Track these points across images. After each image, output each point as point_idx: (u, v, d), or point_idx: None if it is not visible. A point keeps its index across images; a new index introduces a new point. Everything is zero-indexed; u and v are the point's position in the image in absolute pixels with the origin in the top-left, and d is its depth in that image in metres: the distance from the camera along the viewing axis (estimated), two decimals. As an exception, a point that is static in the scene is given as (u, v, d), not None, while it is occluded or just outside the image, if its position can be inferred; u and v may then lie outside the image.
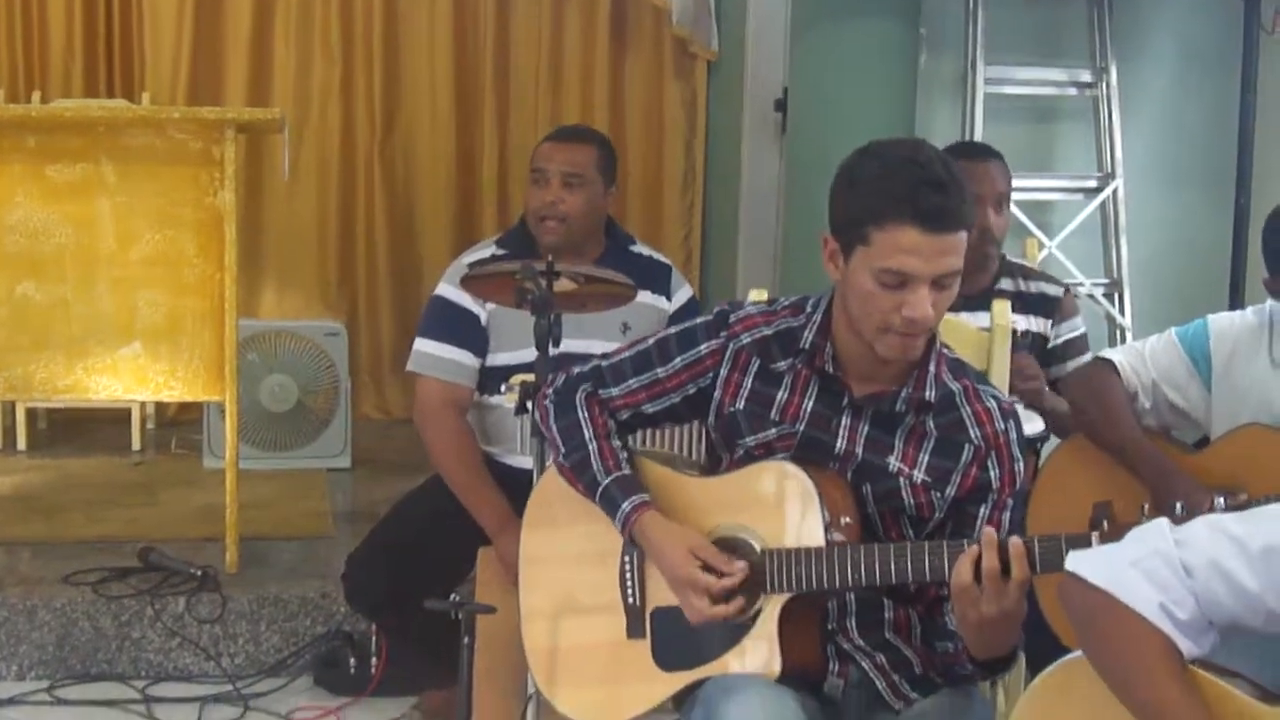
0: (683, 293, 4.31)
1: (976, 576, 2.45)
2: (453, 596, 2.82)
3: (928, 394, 2.73)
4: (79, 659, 4.51)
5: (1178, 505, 2.43)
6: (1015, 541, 2.46)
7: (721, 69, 6.12)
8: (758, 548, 2.71)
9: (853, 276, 2.64)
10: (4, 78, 5.85)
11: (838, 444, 2.74)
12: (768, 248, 5.87)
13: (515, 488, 3.36)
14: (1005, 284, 4.24)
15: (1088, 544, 2.42)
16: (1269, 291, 3.55)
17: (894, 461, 2.73)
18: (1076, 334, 4.23)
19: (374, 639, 4.42)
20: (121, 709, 4.33)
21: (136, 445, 6.02)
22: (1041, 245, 5.46)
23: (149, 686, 4.45)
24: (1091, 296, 5.58)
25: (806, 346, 2.77)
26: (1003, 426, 2.76)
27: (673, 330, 2.90)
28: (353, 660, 4.44)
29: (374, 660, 4.41)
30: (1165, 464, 3.53)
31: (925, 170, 2.56)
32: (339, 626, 4.53)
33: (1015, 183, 4.40)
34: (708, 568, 2.68)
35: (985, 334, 3.33)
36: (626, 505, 2.77)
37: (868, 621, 2.76)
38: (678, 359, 2.84)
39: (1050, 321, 4.24)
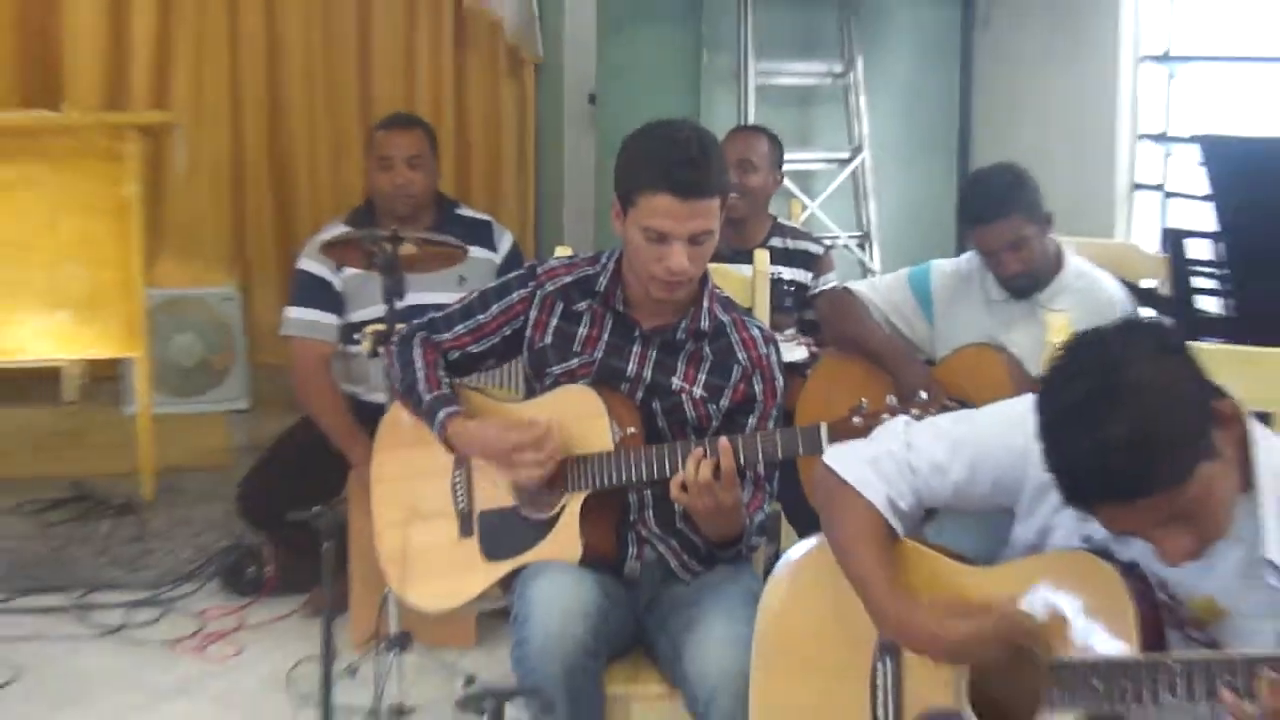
0: (504, 241, 4.30)
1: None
2: (313, 510, 2.75)
3: (703, 324, 2.76)
4: (23, 576, 4.42)
5: (922, 394, 2.42)
6: (723, 443, 2.52)
7: (545, 71, 6.07)
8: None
9: (628, 232, 2.68)
10: (-52, 93, 5.68)
11: (629, 368, 2.76)
12: (587, 214, 5.93)
13: (373, 418, 3.34)
14: (775, 241, 4.30)
15: (814, 437, 2.50)
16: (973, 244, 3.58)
17: (677, 380, 2.75)
18: (831, 285, 4.25)
19: (267, 549, 4.37)
20: (60, 615, 4.26)
21: (70, 397, 5.88)
22: (805, 206, 5.53)
23: (83, 596, 4.38)
24: (847, 247, 5.66)
25: (601, 289, 2.78)
26: (765, 351, 2.80)
27: (492, 285, 2.92)
28: (251, 567, 4.39)
29: (268, 567, 4.36)
30: (907, 348, 3.53)
31: (679, 148, 2.59)
32: (239, 540, 4.47)
33: (785, 155, 4.43)
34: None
35: (749, 279, 3.33)
36: (442, 414, 2.78)
37: (662, 513, 2.77)
38: (495, 306, 2.86)
39: (811, 274, 4.29)
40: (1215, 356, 1.98)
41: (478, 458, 2.79)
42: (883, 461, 2.22)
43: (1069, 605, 2.02)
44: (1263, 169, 2.76)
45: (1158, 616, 2.00)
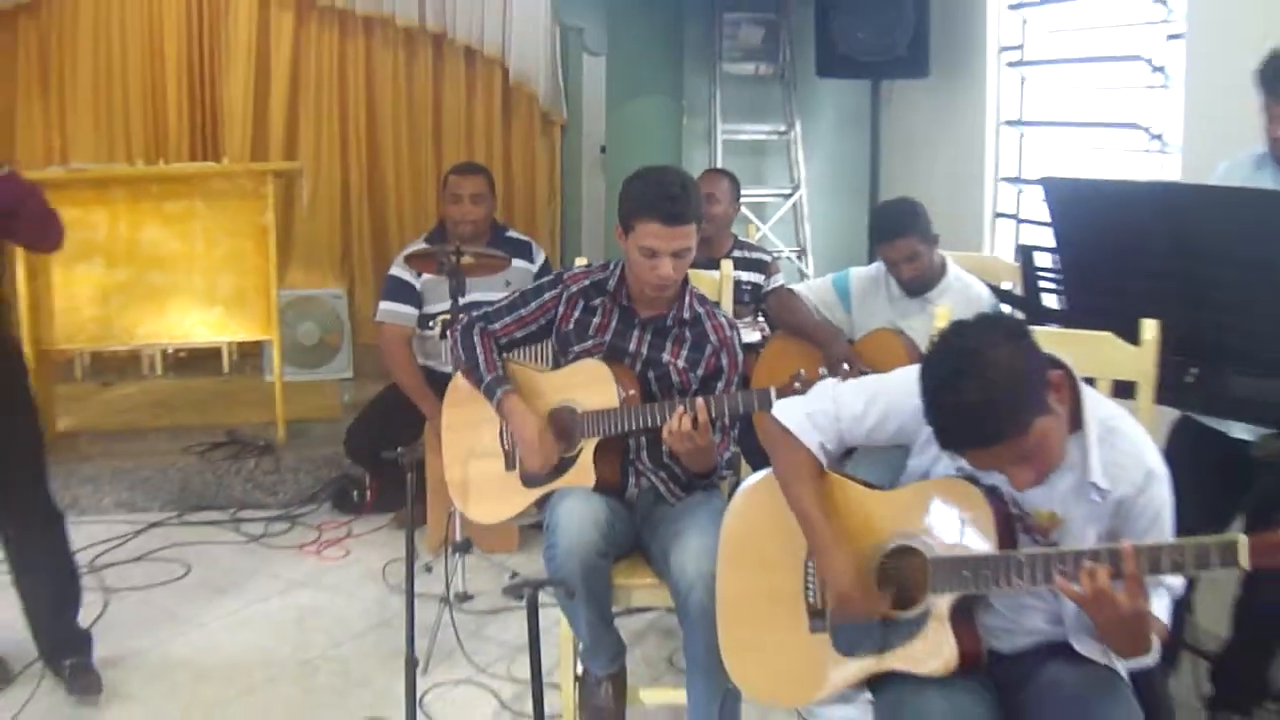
0: (539, 256, 4.29)
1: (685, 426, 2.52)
2: (399, 450, 2.76)
3: (685, 314, 2.76)
4: (193, 498, 4.47)
5: (844, 365, 2.43)
6: (699, 401, 2.51)
7: (569, 130, 6.04)
8: (579, 410, 2.71)
9: (628, 249, 2.67)
10: (142, 150, 5.67)
11: (631, 347, 2.75)
12: (598, 235, 5.90)
13: (442, 384, 3.34)
14: (736, 253, 4.25)
15: (766, 397, 2.47)
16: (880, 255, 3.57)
17: (665, 356, 2.74)
18: (779, 285, 4.25)
19: (366, 478, 4.39)
20: (218, 526, 4.31)
21: (225, 369, 5.87)
22: (758, 228, 5.51)
23: (235, 513, 4.42)
24: (789, 258, 5.62)
25: (611, 289, 2.77)
26: (730, 334, 2.79)
27: (530, 286, 2.90)
28: (355, 492, 4.42)
29: (368, 492, 4.36)
30: (834, 331, 3.52)
31: (664, 187, 2.58)
32: (347, 473, 4.50)
33: (742, 190, 4.41)
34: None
35: (717, 281, 3.31)
36: (499, 391, 2.77)
37: (654, 452, 2.77)
38: (533, 303, 2.84)
39: (764, 277, 4.25)
40: (1054, 338, 1.99)
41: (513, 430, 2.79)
42: (815, 415, 2.21)
43: (947, 516, 2.03)
44: (1086, 202, 2.76)
45: (1011, 525, 2.01)
